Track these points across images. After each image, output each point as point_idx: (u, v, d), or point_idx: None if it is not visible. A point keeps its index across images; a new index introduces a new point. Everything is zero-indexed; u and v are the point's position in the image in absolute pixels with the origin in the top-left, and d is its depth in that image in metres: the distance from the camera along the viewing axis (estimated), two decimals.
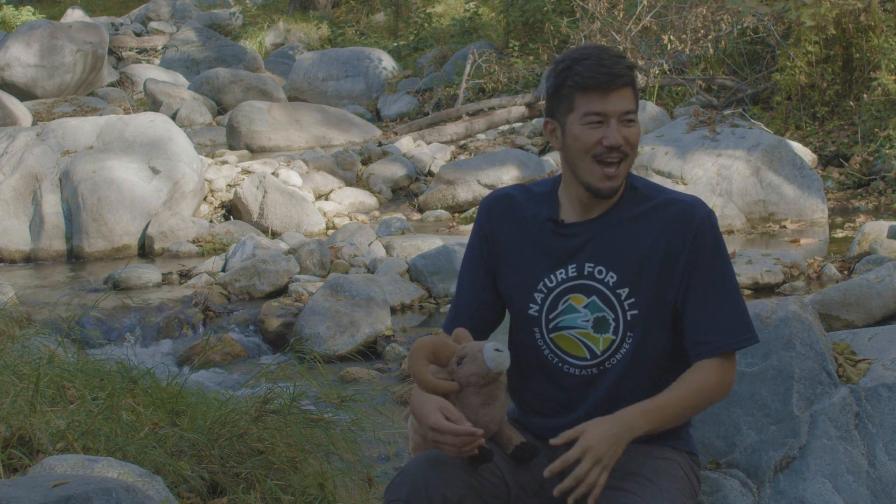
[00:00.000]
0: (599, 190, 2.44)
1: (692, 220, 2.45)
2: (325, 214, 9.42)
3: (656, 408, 2.38)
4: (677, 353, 2.53)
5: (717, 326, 2.44)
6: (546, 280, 2.52)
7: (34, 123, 12.37)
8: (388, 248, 7.80)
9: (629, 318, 2.47)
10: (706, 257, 2.45)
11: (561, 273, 2.51)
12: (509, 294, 2.58)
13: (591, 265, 2.48)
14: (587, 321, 2.49)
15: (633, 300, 2.46)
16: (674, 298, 2.47)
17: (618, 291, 2.47)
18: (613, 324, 2.48)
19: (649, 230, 2.47)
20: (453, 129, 12.10)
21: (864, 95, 10.00)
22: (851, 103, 10.21)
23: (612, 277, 2.47)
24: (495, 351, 2.39)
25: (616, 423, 2.32)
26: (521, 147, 11.20)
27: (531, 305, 2.54)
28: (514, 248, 2.57)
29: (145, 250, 8.51)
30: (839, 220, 8.65)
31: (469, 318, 2.60)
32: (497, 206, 2.61)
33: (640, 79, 11.82)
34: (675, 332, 2.50)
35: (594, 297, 2.49)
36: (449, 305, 6.69)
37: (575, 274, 2.50)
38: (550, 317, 2.52)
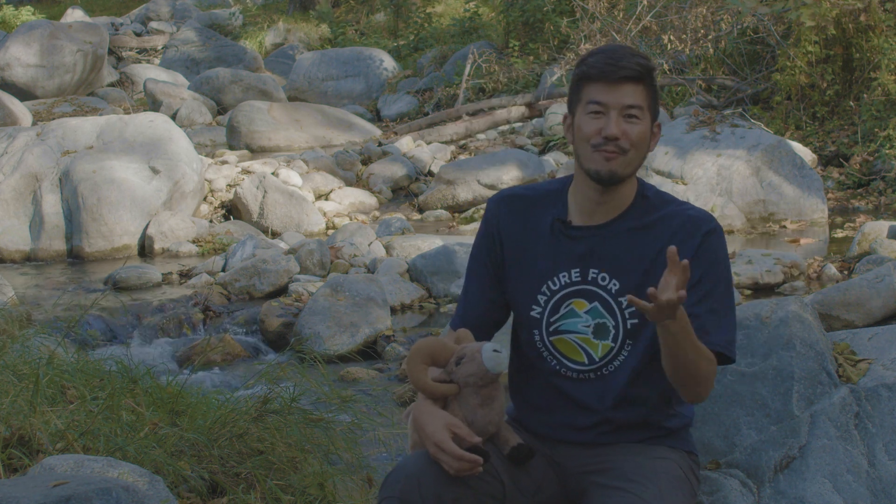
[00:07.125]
0: (599, 173, 2.43)
1: (699, 230, 2.45)
2: (325, 214, 9.42)
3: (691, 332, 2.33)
4: None
5: (714, 337, 2.42)
6: (549, 283, 2.51)
7: (34, 123, 12.35)
8: (388, 248, 7.80)
9: (629, 326, 2.47)
10: (709, 268, 2.43)
11: (564, 276, 2.50)
12: (513, 294, 2.58)
13: (596, 271, 2.48)
14: (588, 326, 2.49)
15: (634, 309, 2.45)
16: None
17: (620, 299, 2.47)
18: (613, 331, 2.48)
19: (655, 240, 2.46)
20: (453, 129, 12.09)
21: (864, 95, 9.99)
22: (851, 103, 10.19)
23: (615, 285, 2.47)
24: (493, 352, 2.39)
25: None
26: (521, 147, 11.20)
27: (533, 307, 2.54)
28: (520, 248, 2.56)
29: (145, 250, 8.51)
30: (839, 220, 8.65)
31: (477, 315, 2.60)
32: (505, 206, 2.60)
33: None
34: None
35: (596, 303, 2.49)
36: (450, 305, 6.76)
37: (579, 278, 2.50)
38: (551, 320, 2.52)
